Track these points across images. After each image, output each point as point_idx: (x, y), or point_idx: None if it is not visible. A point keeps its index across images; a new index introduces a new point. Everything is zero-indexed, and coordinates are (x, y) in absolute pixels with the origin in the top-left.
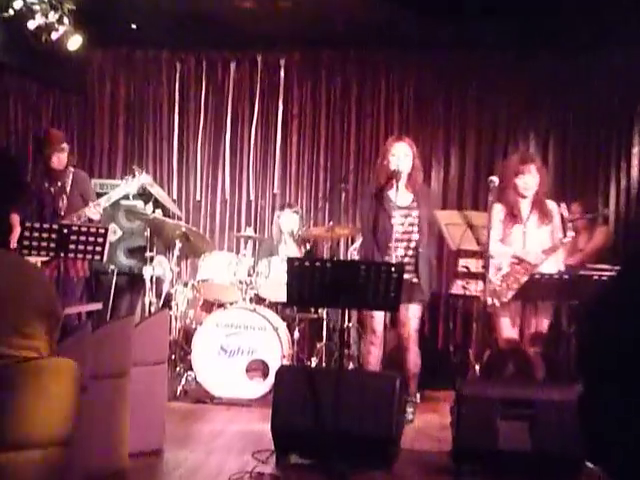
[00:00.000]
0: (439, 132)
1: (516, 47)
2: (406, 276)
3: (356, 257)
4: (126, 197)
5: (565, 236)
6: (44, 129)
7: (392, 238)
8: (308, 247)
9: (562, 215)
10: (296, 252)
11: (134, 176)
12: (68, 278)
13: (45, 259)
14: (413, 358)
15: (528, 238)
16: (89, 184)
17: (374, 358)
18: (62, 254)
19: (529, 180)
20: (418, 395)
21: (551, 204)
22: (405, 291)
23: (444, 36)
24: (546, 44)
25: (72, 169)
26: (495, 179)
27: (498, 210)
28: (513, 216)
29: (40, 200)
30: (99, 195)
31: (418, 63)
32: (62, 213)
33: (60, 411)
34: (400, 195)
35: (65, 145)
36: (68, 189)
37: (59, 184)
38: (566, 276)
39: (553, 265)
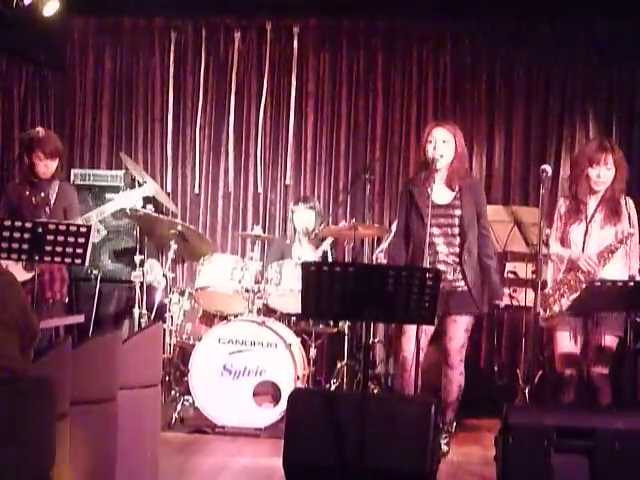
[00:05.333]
0: (481, 114)
1: (569, 13)
2: (454, 284)
3: (383, 261)
4: (113, 188)
5: (628, 236)
6: (37, 129)
7: (427, 242)
8: (326, 248)
9: (630, 213)
10: (312, 254)
11: (138, 185)
12: (44, 300)
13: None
14: (457, 379)
15: (589, 239)
16: (75, 199)
17: (407, 385)
18: (36, 256)
19: (603, 173)
20: (455, 424)
21: (627, 201)
22: (454, 301)
23: (487, 2)
24: (604, 9)
25: (58, 181)
26: (548, 168)
27: (560, 204)
28: (577, 212)
29: (17, 209)
30: (83, 187)
31: (456, 34)
32: None
33: (35, 442)
34: (438, 191)
35: (54, 151)
36: (52, 201)
37: (42, 195)
38: (631, 283)
39: (623, 271)
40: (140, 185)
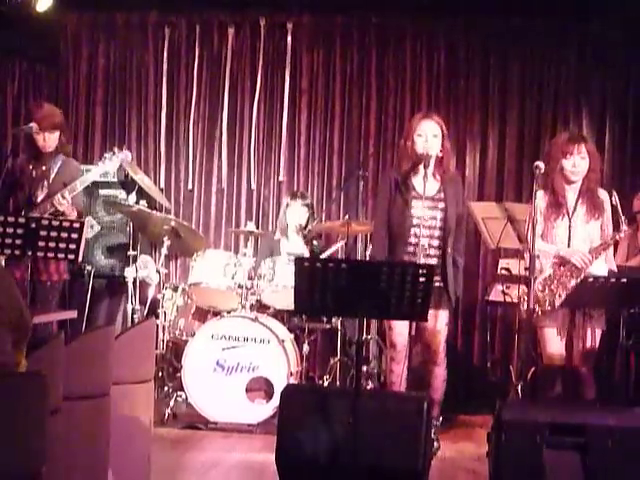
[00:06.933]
0: (475, 110)
1: (562, 11)
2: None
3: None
4: (106, 184)
5: (619, 231)
6: (31, 124)
7: (410, 234)
8: (315, 243)
9: (614, 206)
10: (301, 250)
11: (113, 154)
12: (40, 282)
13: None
14: (442, 374)
15: (574, 234)
16: (77, 175)
17: (397, 377)
18: (30, 252)
19: (578, 162)
20: (441, 418)
21: (603, 193)
22: (434, 295)
23: None
24: (598, 7)
25: (62, 156)
26: (541, 165)
27: (539, 198)
28: (557, 206)
29: (18, 182)
30: None
31: (450, 29)
32: (38, 201)
33: (27, 437)
34: (424, 182)
35: (49, 125)
36: (52, 176)
37: (43, 168)
38: (624, 280)
39: (604, 266)
40: (118, 154)
